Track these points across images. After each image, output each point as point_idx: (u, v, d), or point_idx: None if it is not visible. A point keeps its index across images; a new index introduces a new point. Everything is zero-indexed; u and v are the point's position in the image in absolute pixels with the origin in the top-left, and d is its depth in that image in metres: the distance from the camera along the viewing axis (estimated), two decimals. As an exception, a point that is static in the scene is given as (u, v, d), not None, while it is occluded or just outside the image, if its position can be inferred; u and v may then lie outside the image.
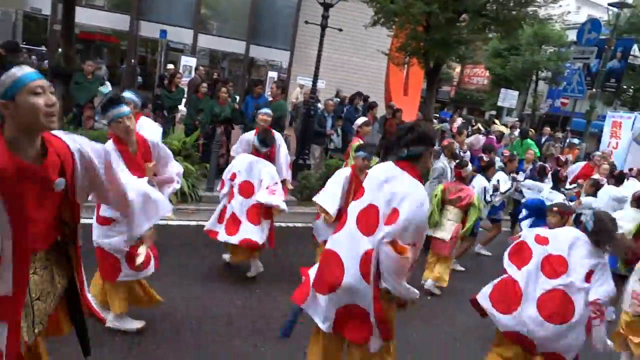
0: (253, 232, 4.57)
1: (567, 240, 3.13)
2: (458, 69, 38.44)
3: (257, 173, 4.75)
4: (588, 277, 3.00)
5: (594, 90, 12.37)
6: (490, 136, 11.31)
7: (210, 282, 4.63)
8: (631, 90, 24.97)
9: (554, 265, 3.06)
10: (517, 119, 18.74)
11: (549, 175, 7.00)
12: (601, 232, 3.11)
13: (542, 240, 3.19)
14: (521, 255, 3.21)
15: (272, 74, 17.68)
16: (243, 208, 4.65)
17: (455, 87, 39.87)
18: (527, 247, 3.21)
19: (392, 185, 2.51)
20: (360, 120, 6.63)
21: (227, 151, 8.75)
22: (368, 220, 2.53)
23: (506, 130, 13.16)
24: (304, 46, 19.72)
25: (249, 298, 4.46)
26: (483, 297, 3.25)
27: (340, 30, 10.23)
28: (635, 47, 19.72)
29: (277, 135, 5.18)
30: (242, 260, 4.91)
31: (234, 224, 4.62)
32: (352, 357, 2.68)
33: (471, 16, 10.20)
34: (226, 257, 5.09)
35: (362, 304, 2.54)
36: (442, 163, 6.56)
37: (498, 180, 6.74)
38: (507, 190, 6.84)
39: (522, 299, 3.04)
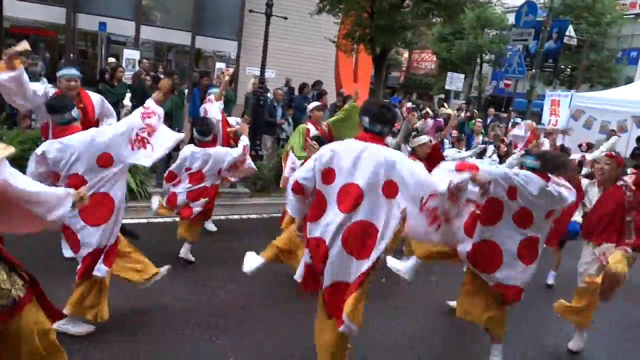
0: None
1: None
2: (406, 55, 39.02)
3: (202, 164, 4.83)
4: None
5: (533, 70, 12.90)
6: (439, 119, 11.59)
7: (163, 279, 4.54)
8: (568, 69, 26.15)
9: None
10: (463, 102, 19.26)
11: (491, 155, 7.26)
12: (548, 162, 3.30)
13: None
14: None
15: (220, 65, 17.37)
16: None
17: (404, 72, 40.49)
18: None
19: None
20: (313, 104, 6.71)
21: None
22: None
23: (453, 113, 13.51)
24: (252, 36, 19.50)
25: (202, 292, 4.41)
26: None
27: (286, 18, 10.18)
28: (570, 27, 20.63)
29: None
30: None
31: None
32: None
33: (414, 2, 10.37)
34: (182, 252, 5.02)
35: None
36: (396, 142, 6.76)
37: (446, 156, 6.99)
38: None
39: None
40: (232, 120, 6.11)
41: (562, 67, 25.54)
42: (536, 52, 13.01)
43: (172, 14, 20.74)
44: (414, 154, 5.53)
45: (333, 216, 2.66)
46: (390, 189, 2.63)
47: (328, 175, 2.70)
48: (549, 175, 3.29)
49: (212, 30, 20.55)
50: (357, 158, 2.65)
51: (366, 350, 3.63)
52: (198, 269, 4.88)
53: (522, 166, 3.46)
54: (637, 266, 5.81)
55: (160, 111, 3.68)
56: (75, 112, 3.30)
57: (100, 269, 3.32)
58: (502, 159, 6.70)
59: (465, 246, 3.43)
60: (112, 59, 11.34)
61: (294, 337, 3.69)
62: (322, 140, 4.65)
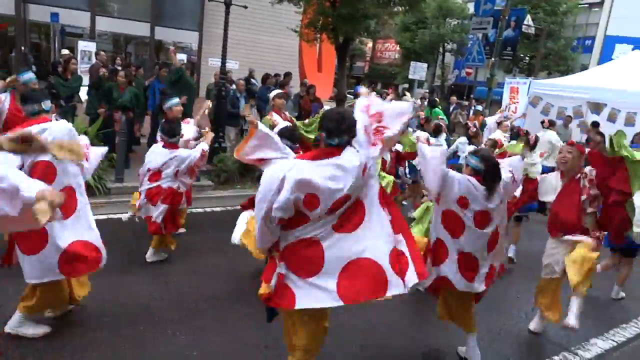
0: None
1: None
2: (370, 45, 39.21)
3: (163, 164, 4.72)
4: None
5: (493, 58, 13.16)
6: (401, 108, 11.68)
7: (124, 276, 4.44)
8: (527, 58, 26.82)
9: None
10: (427, 90, 19.50)
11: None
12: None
13: None
14: None
15: (182, 57, 16.97)
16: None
17: (369, 62, 40.71)
18: None
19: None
20: (274, 92, 6.69)
21: (132, 140, 8.36)
22: None
23: (417, 101, 13.68)
24: (213, 26, 19.11)
25: (165, 287, 4.33)
26: None
27: (245, 7, 10.00)
28: (528, 16, 21.13)
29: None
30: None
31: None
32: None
33: (376, -10, 10.38)
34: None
35: None
36: None
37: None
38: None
39: None
40: (188, 128, 5.73)
41: (521, 55, 26.19)
42: (495, 40, 13.28)
43: (130, 5, 20.10)
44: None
45: None
46: None
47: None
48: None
49: (172, 20, 20.03)
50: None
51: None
52: (160, 263, 4.79)
53: (466, 165, 3.44)
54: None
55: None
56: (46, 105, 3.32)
57: None
58: (471, 140, 6.86)
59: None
60: (66, 51, 10.92)
61: (259, 329, 3.66)
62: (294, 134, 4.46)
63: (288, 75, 11.21)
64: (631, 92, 10.66)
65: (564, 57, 25.79)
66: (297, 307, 2.49)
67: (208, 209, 6.88)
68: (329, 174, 2.42)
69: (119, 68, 11.36)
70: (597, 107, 11.82)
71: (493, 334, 4.19)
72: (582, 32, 29.98)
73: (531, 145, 5.88)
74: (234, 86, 10.12)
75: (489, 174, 3.25)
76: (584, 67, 23.43)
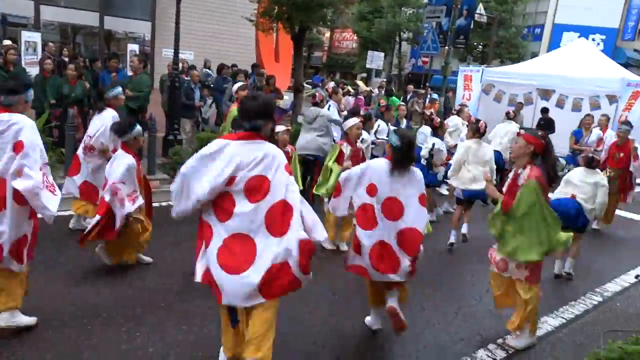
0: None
1: None
2: (328, 34, 39.13)
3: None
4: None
5: (447, 47, 13.38)
6: (359, 97, 11.76)
7: (74, 275, 4.28)
8: (480, 46, 27.45)
9: None
10: (384, 79, 19.66)
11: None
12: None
13: None
14: None
15: (133, 47, 16.45)
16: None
17: (327, 52, 40.65)
18: None
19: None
20: (237, 85, 6.58)
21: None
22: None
23: (375, 90, 13.81)
24: (166, 16, 18.60)
25: (120, 283, 4.20)
26: None
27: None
28: (480, 5, 21.58)
29: None
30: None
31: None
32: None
33: (330, -21, 10.31)
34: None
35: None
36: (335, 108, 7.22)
37: (379, 125, 7.59)
38: (388, 135, 7.26)
39: None
40: None
41: (475, 44, 26.77)
42: (448, 29, 13.49)
43: (77, -7, 19.29)
44: (347, 137, 5.54)
45: None
46: None
47: None
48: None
49: (122, 10, 19.35)
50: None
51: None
52: (111, 266, 4.63)
53: (389, 144, 3.62)
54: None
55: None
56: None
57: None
58: (436, 131, 6.90)
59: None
60: (7, 42, 10.37)
61: (215, 326, 3.60)
62: None
63: (256, 66, 11.07)
64: (577, 79, 11.11)
65: (515, 45, 26.55)
66: None
67: (164, 203, 6.69)
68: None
69: (66, 59, 10.92)
70: (546, 94, 12.25)
71: (449, 317, 4.29)
72: (532, 20, 30.95)
73: (481, 133, 6.02)
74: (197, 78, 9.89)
75: (403, 151, 3.44)
76: (535, 55, 24.18)
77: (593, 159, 5.48)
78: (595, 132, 8.74)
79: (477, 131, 5.97)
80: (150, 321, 3.66)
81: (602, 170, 6.44)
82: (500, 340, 3.94)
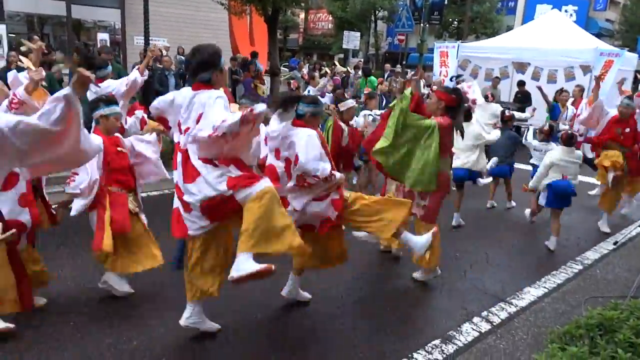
0: None
1: None
2: (302, 16, 38.63)
3: None
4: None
5: (422, 24, 13.33)
6: (336, 77, 11.66)
7: (62, 274, 4.20)
8: (455, 22, 27.42)
9: None
10: (361, 60, 19.54)
11: None
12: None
13: None
14: None
15: (103, 36, 16.03)
16: None
17: (303, 33, 40.17)
18: None
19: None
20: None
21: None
22: None
23: (351, 71, 13.72)
24: (136, 2, 18.05)
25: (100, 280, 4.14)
26: None
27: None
28: (454, -19, 21.50)
29: None
30: None
31: None
32: None
33: (301, -42, 10.13)
34: None
35: None
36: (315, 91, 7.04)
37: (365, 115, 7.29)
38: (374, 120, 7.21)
39: None
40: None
41: (450, 20, 26.73)
42: (422, 5, 13.46)
43: (41, -18, 18.62)
44: (342, 119, 5.40)
45: None
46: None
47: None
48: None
49: (89, -3, 18.76)
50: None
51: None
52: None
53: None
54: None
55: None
56: None
57: None
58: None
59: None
60: (-30, 35, 10.00)
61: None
62: None
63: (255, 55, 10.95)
64: (552, 51, 11.18)
65: (489, 19, 26.57)
66: None
67: (143, 194, 6.59)
68: None
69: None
70: (521, 67, 12.31)
71: (434, 293, 4.33)
72: (506, -7, 30.95)
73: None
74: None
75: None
76: (510, 28, 24.21)
77: (573, 136, 5.50)
78: (571, 108, 8.74)
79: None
80: (134, 314, 3.62)
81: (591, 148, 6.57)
82: (484, 314, 4.00)
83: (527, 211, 6.36)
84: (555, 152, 5.56)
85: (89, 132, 4.48)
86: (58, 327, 3.38)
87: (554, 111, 8.77)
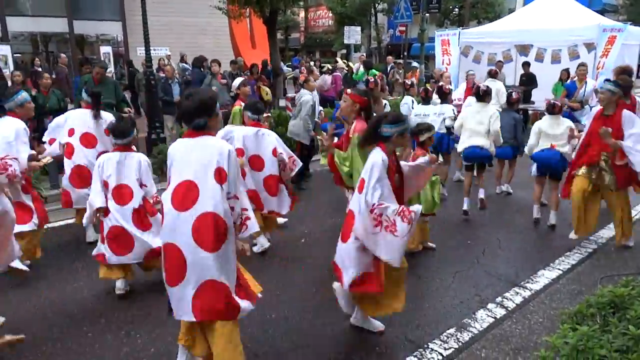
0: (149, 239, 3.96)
1: None
2: (303, 14, 38.58)
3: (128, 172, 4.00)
4: None
5: (420, 13, 13.21)
6: (336, 74, 11.65)
7: (67, 283, 4.27)
8: (456, 9, 27.16)
9: None
10: (363, 54, 19.47)
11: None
12: None
13: None
14: None
15: (106, 49, 16.19)
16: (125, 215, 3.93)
17: (304, 32, 40.12)
18: None
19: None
20: (238, 80, 6.57)
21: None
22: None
23: (354, 66, 13.69)
24: (136, 14, 18.21)
25: (113, 289, 4.19)
26: None
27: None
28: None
29: None
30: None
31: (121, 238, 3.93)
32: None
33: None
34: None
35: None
36: (309, 94, 7.03)
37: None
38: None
39: None
40: None
41: (450, 7, 26.49)
42: (420, -6, 13.35)
43: (43, 1, 18.85)
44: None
45: None
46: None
47: None
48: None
49: (91, 12, 18.97)
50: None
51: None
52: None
53: None
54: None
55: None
56: None
57: None
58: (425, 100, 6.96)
59: None
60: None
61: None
62: None
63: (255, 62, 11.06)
64: (554, 30, 11.02)
65: (490, 3, 26.26)
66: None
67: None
68: None
69: (39, 69, 10.75)
70: (524, 49, 12.17)
71: (447, 282, 4.32)
72: (506, -24, 30.52)
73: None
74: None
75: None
76: (512, 11, 23.91)
77: (554, 105, 5.57)
78: (591, 82, 8.35)
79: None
80: (149, 321, 3.66)
81: None
82: (499, 299, 3.98)
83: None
84: (543, 120, 5.67)
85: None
86: (76, 339, 3.43)
87: (570, 90, 8.51)
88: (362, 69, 12.69)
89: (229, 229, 2.65)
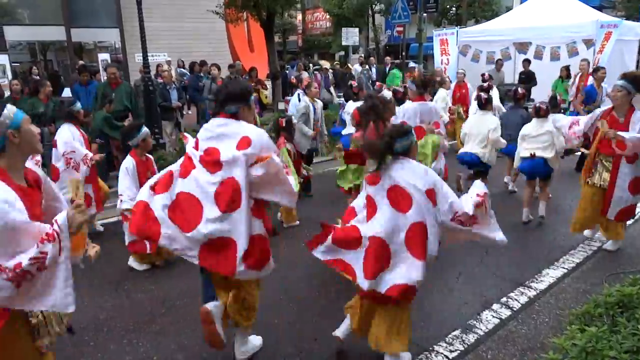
0: None
1: None
2: (300, 17, 38.61)
3: None
4: None
5: (418, 13, 13.20)
6: (316, 73, 11.71)
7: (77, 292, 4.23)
8: (454, 8, 27.16)
9: None
10: (361, 55, 19.45)
11: None
12: None
13: None
14: None
15: (104, 56, 16.18)
16: None
17: (302, 35, 40.14)
18: None
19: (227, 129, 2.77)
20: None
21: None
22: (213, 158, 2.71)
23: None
24: (133, 20, 18.13)
25: (116, 297, 4.16)
26: None
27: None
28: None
29: None
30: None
31: None
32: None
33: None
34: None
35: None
36: (305, 102, 6.92)
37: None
38: None
39: None
40: None
41: (447, 6, 26.48)
42: (417, -6, 13.33)
43: (39, 9, 18.82)
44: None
45: None
46: None
47: None
48: None
49: (88, 20, 18.90)
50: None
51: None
52: (108, 272, 4.59)
53: None
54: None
55: None
56: None
57: None
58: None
59: None
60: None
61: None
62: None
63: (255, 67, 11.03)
64: (552, 27, 11.01)
65: (487, 2, 26.25)
66: None
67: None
68: None
69: (38, 77, 10.74)
70: (523, 47, 12.16)
71: (451, 283, 4.28)
72: (503, -27, 30.50)
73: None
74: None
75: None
76: (509, 9, 23.88)
77: (540, 109, 5.57)
78: (604, 87, 7.70)
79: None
80: (151, 329, 3.63)
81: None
82: (504, 300, 3.94)
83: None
84: (529, 124, 5.70)
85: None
86: (78, 348, 3.40)
87: (590, 95, 7.83)
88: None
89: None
